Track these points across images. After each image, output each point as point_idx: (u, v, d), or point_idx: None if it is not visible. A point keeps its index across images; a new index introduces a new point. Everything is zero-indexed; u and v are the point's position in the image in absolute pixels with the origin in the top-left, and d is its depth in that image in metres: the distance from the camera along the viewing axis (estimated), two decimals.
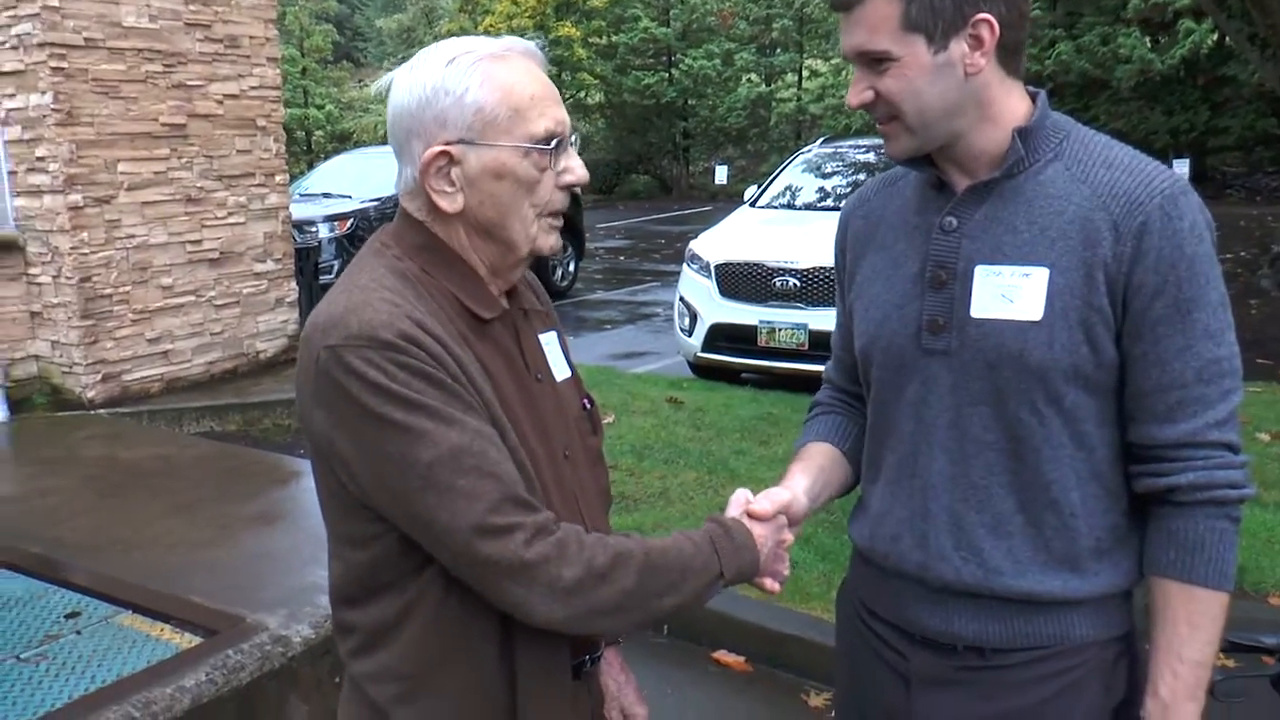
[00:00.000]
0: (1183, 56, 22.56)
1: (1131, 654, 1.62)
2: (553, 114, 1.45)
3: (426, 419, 1.33)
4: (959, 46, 1.49)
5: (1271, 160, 23.81)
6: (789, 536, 1.65)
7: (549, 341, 1.63)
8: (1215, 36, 21.83)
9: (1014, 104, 1.56)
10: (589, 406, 1.68)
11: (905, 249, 1.65)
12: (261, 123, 7.74)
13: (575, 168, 1.49)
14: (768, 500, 1.62)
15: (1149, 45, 23.31)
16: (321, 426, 1.39)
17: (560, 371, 1.63)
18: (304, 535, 4.31)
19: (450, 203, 1.45)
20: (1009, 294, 1.52)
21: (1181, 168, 20.77)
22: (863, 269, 1.73)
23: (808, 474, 1.75)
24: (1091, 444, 1.55)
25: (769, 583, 1.61)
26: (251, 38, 7.63)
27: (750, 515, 1.60)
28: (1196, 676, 1.51)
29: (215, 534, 4.42)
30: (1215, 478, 1.49)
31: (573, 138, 1.51)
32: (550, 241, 1.51)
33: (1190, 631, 1.50)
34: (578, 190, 1.57)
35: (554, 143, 1.45)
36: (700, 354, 7.91)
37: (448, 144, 1.42)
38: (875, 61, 1.51)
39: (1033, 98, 1.59)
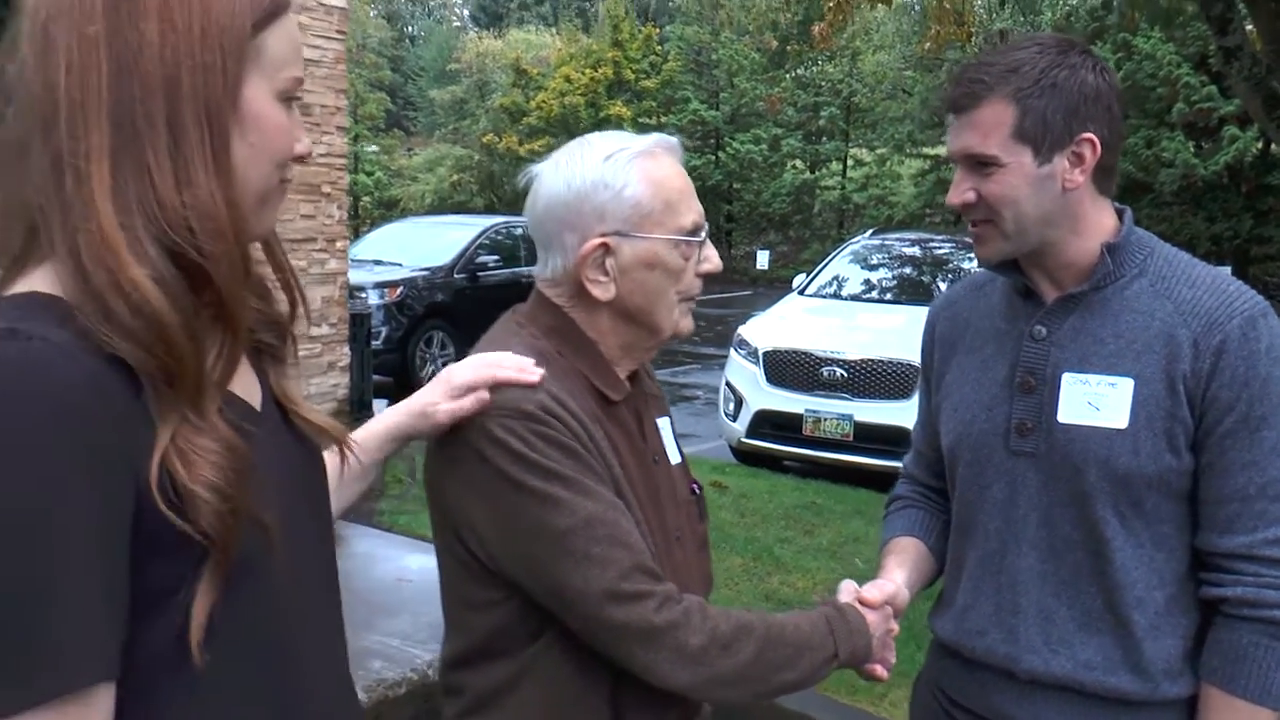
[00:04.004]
0: (1227, 163, 22.52)
1: None
2: (696, 207, 1.56)
3: (563, 488, 1.39)
4: (1061, 162, 1.56)
5: None
6: (895, 626, 1.69)
7: (663, 426, 1.70)
8: (1260, 144, 21.85)
9: (1103, 219, 1.63)
10: (697, 492, 1.74)
11: (994, 353, 1.72)
12: (326, 189, 7.90)
13: (712, 256, 1.60)
14: (877, 590, 1.67)
15: (1193, 150, 23.35)
16: (454, 491, 1.46)
17: (673, 456, 1.69)
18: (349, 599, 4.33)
19: (603, 291, 1.52)
20: (1095, 402, 1.58)
21: None
22: (951, 370, 1.80)
23: (904, 567, 1.81)
24: (1172, 546, 1.59)
25: (879, 669, 1.63)
26: (323, 106, 7.83)
27: (861, 602, 1.64)
28: None
29: None
30: (1264, 596, 1.52)
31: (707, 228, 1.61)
32: (689, 324, 1.61)
33: None
34: None
35: (701, 234, 1.55)
36: (744, 439, 7.86)
37: (604, 236, 1.50)
38: (980, 165, 1.59)
39: (1119, 214, 1.66)
